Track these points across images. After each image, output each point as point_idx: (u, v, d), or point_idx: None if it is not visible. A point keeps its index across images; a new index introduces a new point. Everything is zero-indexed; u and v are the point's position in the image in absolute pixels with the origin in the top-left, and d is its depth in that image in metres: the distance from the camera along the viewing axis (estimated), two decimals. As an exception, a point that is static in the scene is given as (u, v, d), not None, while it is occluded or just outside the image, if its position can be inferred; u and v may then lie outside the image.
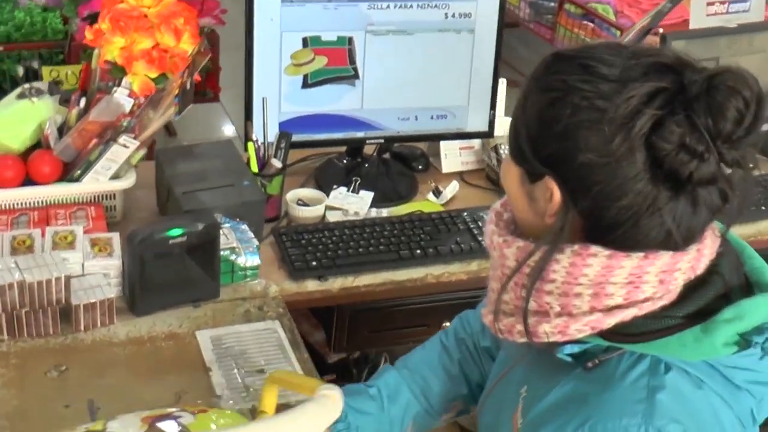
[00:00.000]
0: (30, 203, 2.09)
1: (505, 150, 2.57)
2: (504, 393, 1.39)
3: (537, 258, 1.20)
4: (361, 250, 2.17)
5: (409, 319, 2.24)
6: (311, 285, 2.10)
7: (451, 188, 2.50)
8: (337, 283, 2.11)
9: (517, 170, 1.24)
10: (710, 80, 1.12)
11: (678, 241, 1.17)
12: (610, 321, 1.18)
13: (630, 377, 1.18)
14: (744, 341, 1.18)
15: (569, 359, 1.24)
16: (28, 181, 2.09)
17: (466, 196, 2.52)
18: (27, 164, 2.08)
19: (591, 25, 4.33)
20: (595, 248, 1.17)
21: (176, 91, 2.08)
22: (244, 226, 2.07)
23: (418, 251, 2.20)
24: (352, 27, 2.32)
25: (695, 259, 1.19)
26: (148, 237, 1.86)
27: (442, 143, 2.60)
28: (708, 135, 1.11)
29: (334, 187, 2.41)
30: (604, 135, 1.12)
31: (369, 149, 2.56)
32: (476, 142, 2.64)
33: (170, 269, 1.94)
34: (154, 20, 2.11)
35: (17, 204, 2.08)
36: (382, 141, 2.49)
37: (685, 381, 1.18)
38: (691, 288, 1.20)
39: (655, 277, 1.17)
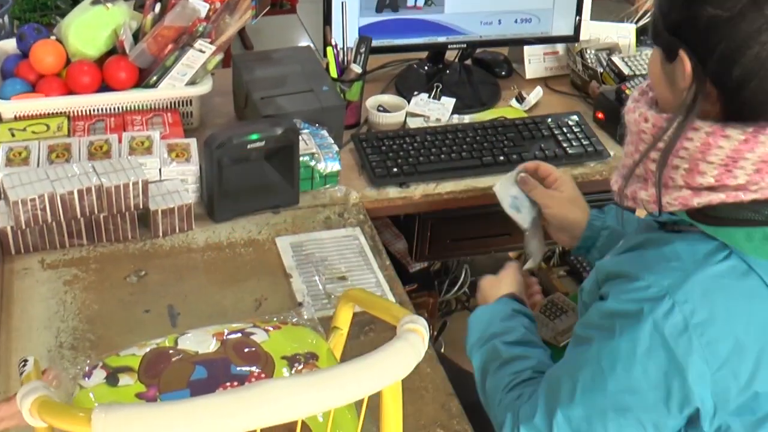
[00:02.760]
0: (106, 109, 2.06)
1: (590, 54, 2.47)
2: None
3: (670, 132, 1.21)
4: (443, 156, 2.11)
5: (491, 228, 2.17)
6: (392, 192, 2.04)
7: (535, 94, 2.41)
8: (418, 190, 2.05)
9: (657, 52, 1.27)
10: None
11: None
12: (696, 200, 1.19)
13: (689, 247, 1.20)
14: None
15: (655, 224, 1.30)
16: (104, 87, 2.06)
17: (549, 102, 2.43)
18: (103, 70, 2.05)
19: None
20: (699, 123, 1.18)
21: (253, -7, 2.02)
22: (324, 132, 2.02)
23: (501, 158, 2.13)
24: (433, -75, 2.24)
25: None
26: (227, 141, 1.81)
27: (526, 48, 2.50)
28: None
29: (415, 93, 2.34)
30: None
31: (451, 55, 2.48)
32: (560, 47, 2.55)
33: (249, 175, 1.90)
34: None
35: (94, 110, 2.06)
36: (464, 46, 2.40)
37: (737, 275, 1.17)
38: None
39: (753, 165, 1.16)
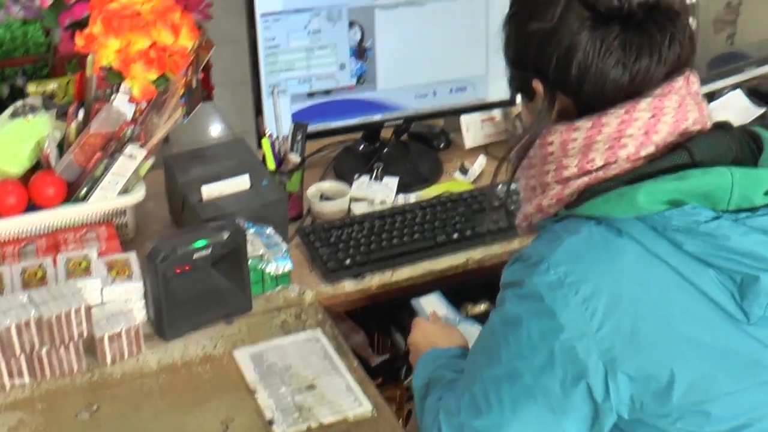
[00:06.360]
0: (36, 230, 1.93)
1: (529, 117, 2.41)
2: None
3: (527, 136, 1.37)
4: (395, 241, 2.02)
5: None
6: (348, 285, 1.94)
7: (479, 164, 2.35)
8: (374, 280, 1.96)
9: (522, 100, 1.42)
10: None
11: (637, 78, 1.27)
12: (567, 191, 1.31)
13: (562, 226, 1.30)
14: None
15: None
16: (31, 206, 1.92)
17: (494, 169, 2.36)
18: (28, 188, 1.91)
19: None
20: (554, 127, 1.32)
21: (181, 91, 1.92)
22: (270, 230, 1.92)
23: (455, 235, 2.05)
24: (360, 1, 2.16)
25: (648, 125, 1.27)
26: (171, 253, 1.70)
27: (463, 117, 2.44)
28: None
29: (356, 176, 2.26)
30: (542, 10, 1.30)
31: (386, 133, 2.40)
32: (497, 113, 2.49)
33: (196, 285, 1.79)
34: (149, 17, 1.95)
35: (22, 232, 1.92)
36: (402, 122, 2.33)
37: (607, 236, 1.25)
38: (652, 160, 1.28)
39: (604, 145, 1.28)
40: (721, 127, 1.34)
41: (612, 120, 1.28)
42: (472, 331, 1.79)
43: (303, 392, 1.64)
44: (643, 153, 1.28)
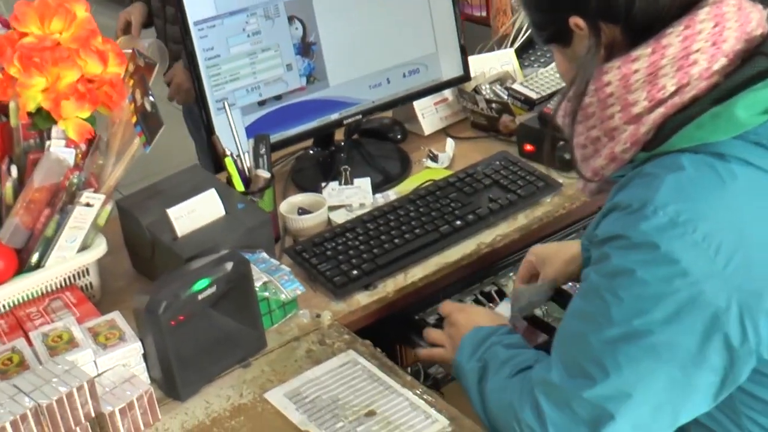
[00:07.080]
0: (-7, 312, 1.64)
1: (486, 89, 2.24)
2: None
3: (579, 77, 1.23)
4: (397, 241, 1.81)
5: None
6: (362, 298, 1.72)
7: (449, 146, 2.16)
8: (389, 286, 1.74)
9: (556, 49, 1.29)
10: None
11: None
12: (643, 129, 1.17)
13: (653, 167, 1.17)
14: None
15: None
16: (-20, 285, 1.64)
17: (462, 151, 2.18)
18: (-26, 266, 1.63)
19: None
20: (607, 65, 1.19)
21: (133, 119, 1.66)
22: (263, 255, 1.68)
23: (458, 222, 1.85)
24: (297, -7, 1.95)
25: (715, 35, 1.15)
26: (174, 300, 1.45)
27: (416, 104, 2.25)
28: None
29: (323, 184, 2.03)
30: None
31: (338, 135, 2.18)
32: (449, 93, 2.30)
33: (201, 332, 1.55)
34: (71, 46, 1.68)
35: (-23, 317, 1.63)
36: (360, 116, 2.11)
37: (712, 164, 1.13)
38: (728, 74, 1.16)
39: (672, 68, 1.15)
40: None
41: (673, 39, 1.16)
42: None
43: (364, 422, 1.41)
44: (716, 67, 1.16)
